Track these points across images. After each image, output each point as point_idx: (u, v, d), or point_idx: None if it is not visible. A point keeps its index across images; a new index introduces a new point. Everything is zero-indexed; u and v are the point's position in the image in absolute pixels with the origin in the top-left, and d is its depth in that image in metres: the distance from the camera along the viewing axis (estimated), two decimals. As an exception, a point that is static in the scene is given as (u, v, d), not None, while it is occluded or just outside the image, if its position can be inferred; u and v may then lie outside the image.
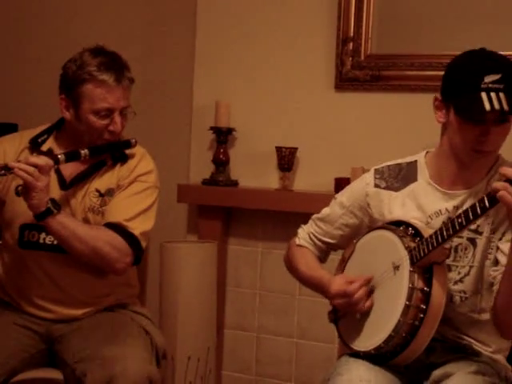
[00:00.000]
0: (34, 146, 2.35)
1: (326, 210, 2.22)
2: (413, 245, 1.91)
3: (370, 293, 1.98)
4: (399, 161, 2.12)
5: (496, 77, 1.84)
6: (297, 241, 2.25)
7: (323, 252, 2.25)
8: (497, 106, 1.81)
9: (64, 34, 3.67)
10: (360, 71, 3.16)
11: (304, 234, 2.25)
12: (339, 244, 2.22)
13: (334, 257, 2.25)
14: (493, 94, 1.82)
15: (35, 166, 2.11)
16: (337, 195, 2.22)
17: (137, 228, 2.28)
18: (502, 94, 1.83)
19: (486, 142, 1.88)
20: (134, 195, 2.32)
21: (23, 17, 3.83)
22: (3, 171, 2.09)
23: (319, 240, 2.22)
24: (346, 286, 1.97)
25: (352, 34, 3.15)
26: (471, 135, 1.89)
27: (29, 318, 2.34)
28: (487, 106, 1.81)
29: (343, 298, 1.98)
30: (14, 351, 2.24)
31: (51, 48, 3.68)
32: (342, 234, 2.19)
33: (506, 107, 1.82)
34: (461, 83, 1.90)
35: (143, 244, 2.30)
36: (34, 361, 2.30)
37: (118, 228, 2.25)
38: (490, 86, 1.84)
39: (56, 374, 2.29)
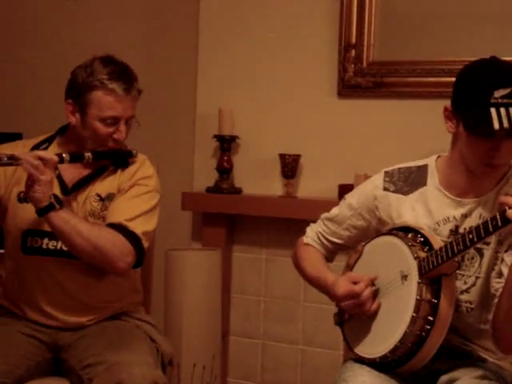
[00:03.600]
0: None
1: (334, 210, 2.22)
2: (422, 255, 1.89)
3: (375, 295, 1.98)
4: (410, 164, 2.11)
5: (506, 91, 1.82)
6: (304, 239, 2.25)
7: (330, 252, 2.24)
8: (506, 124, 1.79)
9: (68, 43, 3.68)
10: (362, 78, 3.17)
11: (312, 232, 2.25)
12: (346, 244, 2.21)
13: (341, 263, 2.26)
14: (502, 110, 1.80)
15: (41, 159, 2.14)
16: (346, 196, 2.22)
17: (138, 227, 2.27)
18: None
19: (497, 156, 1.86)
20: (134, 198, 2.33)
21: (26, 26, 3.84)
22: (10, 161, 2.12)
23: (327, 240, 2.22)
24: (352, 287, 1.96)
25: (354, 41, 3.16)
26: (481, 150, 1.87)
27: (34, 326, 2.34)
28: (496, 125, 1.79)
29: (351, 299, 1.97)
30: (19, 360, 2.24)
31: (55, 57, 3.70)
32: (349, 235, 2.18)
33: None
34: (470, 97, 1.87)
35: (145, 244, 2.30)
36: (39, 369, 2.29)
37: (119, 227, 2.25)
38: (499, 101, 1.81)
39: (62, 383, 2.28)
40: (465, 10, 3.02)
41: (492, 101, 1.81)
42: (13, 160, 2.13)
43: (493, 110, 1.80)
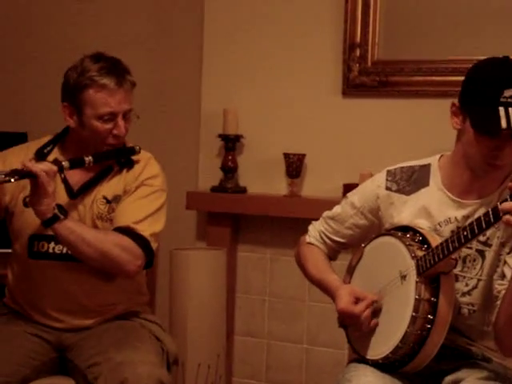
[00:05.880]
0: (40, 157, 2.35)
1: (337, 209, 2.21)
2: (419, 254, 1.89)
3: (377, 310, 1.97)
4: (413, 163, 2.10)
5: None
6: (307, 239, 2.25)
7: (333, 251, 2.24)
8: None
9: (72, 41, 3.68)
10: (367, 77, 3.16)
11: (315, 232, 2.24)
12: (349, 243, 2.21)
13: (344, 262, 2.26)
14: (511, 110, 1.79)
15: (44, 171, 2.12)
16: (348, 194, 2.21)
17: (146, 230, 2.28)
18: None
19: (501, 156, 1.85)
20: (141, 199, 2.33)
21: (31, 25, 3.84)
22: (26, 177, 2.11)
23: (329, 239, 2.21)
24: (352, 307, 1.95)
25: (359, 40, 3.16)
26: (485, 148, 1.85)
27: (39, 326, 2.35)
28: (503, 124, 1.78)
29: (349, 318, 1.98)
30: (25, 359, 2.25)
31: (60, 56, 3.68)
32: (352, 234, 2.18)
33: None
34: (479, 94, 1.86)
35: (154, 245, 2.30)
36: (45, 369, 2.31)
37: (126, 231, 2.25)
38: (509, 100, 1.80)
39: (67, 382, 2.29)
40: (470, 9, 3.01)
41: (501, 99, 1.81)
42: (29, 176, 2.12)
43: (501, 109, 1.80)
